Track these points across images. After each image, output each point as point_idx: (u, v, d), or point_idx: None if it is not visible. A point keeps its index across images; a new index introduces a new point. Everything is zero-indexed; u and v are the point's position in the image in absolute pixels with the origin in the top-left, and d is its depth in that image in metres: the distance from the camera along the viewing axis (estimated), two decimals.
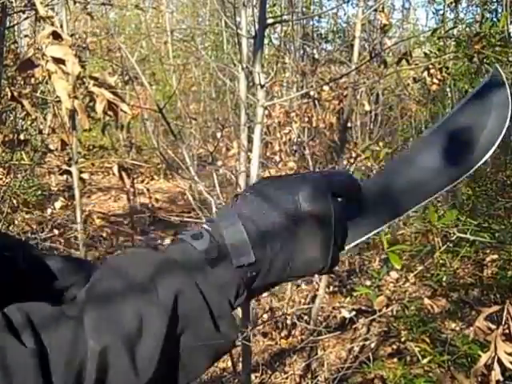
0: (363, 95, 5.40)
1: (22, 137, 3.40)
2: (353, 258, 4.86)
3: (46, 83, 3.32)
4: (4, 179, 3.23)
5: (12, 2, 3.25)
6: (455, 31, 4.80)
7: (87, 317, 0.43)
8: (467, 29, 5.29)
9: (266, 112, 3.72)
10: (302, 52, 5.75)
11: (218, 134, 5.26)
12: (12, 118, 3.75)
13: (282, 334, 4.24)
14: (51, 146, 3.84)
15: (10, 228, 3.47)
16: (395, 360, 3.51)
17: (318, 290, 3.78)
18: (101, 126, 4.13)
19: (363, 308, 4.26)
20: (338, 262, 0.55)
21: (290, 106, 4.53)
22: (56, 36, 2.08)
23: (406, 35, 8.04)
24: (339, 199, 0.54)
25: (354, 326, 4.25)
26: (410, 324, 3.00)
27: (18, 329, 0.40)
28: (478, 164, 0.61)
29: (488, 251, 3.24)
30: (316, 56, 5.91)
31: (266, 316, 3.98)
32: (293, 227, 0.51)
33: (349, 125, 4.85)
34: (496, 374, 1.84)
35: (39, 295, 0.50)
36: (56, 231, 3.62)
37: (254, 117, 2.14)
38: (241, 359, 2.72)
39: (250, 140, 2.40)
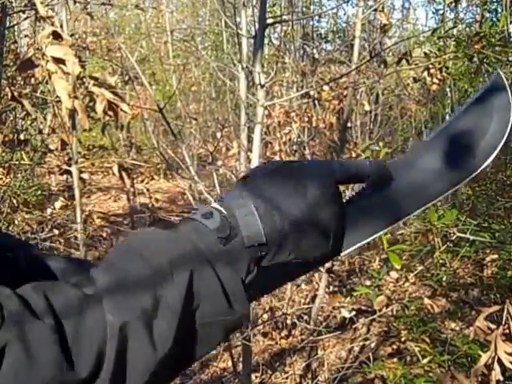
0: (363, 95, 5.40)
1: (21, 137, 3.41)
2: (353, 258, 4.87)
3: (46, 83, 3.33)
4: (4, 179, 3.23)
5: (12, 2, 3.25)
6: (455, 31, 4.80)
7: (105, 294, 0.44)
8: (467, 29, 5.29)
9: (266, 112, 3.72)
10: (301, 52, 5.74)
11: (218, 134, 5.26)
12: (12, 118, 3.75)
13: (282, 334, 4.24)
14: (51, 146, 3.85)
15: (10, 228, 3.47)
16: (395, 360, 3.51)
17: (317, 289, 3.78)
18: (101, 125, 4.12)
19: (363, 308, 4.26)
20: (340, 250, 0.57)
21: (290, 106, 4.52)
22: (56, 36, 2.08)
23: (406, 35, 8.03)
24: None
25: (354, 326, 4.26)
26: (410, 324, 3.00)
27: (36, 306, 0.41)
28: (481, 168, 0.60)
29: (488, 251, 3.24)
30: (316, 56, 5.91)
31: (266, 316, 3.98)
32: (302, 212, 0.52)
33: (349, 125, 4.85)
34: (496, 373, 1.85)
35: None
36: (56, 231, 3.63)
37: (253, 117, 2.14)
38: (241, 359, 2.73)
39: (249, 140, 2.41)
